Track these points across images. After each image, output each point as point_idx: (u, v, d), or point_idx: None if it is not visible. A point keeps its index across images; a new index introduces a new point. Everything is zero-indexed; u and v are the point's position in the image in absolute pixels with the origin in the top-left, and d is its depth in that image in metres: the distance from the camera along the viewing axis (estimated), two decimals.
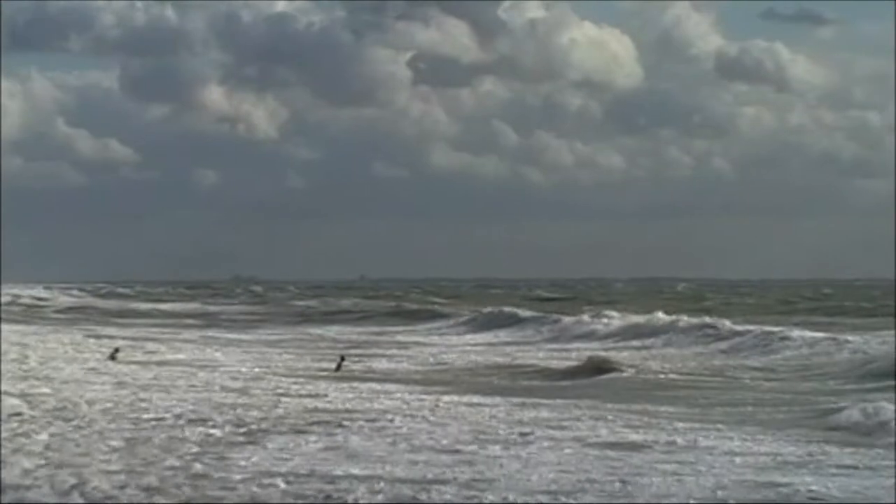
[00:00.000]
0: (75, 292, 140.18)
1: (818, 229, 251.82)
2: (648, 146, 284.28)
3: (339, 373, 33.54)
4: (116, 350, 38.87)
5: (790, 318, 65.39)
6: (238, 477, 16.06)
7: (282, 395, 26.64)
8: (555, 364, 36.26)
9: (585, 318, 55.34)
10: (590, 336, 50.01)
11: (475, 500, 14.57)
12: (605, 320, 53.51)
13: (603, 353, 38.97)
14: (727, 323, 46.50)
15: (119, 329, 60.94)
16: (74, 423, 21.29)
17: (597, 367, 33.10)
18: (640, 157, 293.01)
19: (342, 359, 35.88)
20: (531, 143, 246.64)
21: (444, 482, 15.63)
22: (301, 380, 30.97)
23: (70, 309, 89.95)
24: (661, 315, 51.62)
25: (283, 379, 31.10)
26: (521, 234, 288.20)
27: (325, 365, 35.93)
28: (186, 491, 15.25)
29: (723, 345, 41.88)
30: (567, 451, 18.24)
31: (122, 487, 15.41)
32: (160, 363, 36.19)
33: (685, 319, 48.88)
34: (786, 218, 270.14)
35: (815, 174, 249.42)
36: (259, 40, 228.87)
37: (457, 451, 18.13)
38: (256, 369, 34.13)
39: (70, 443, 19.03)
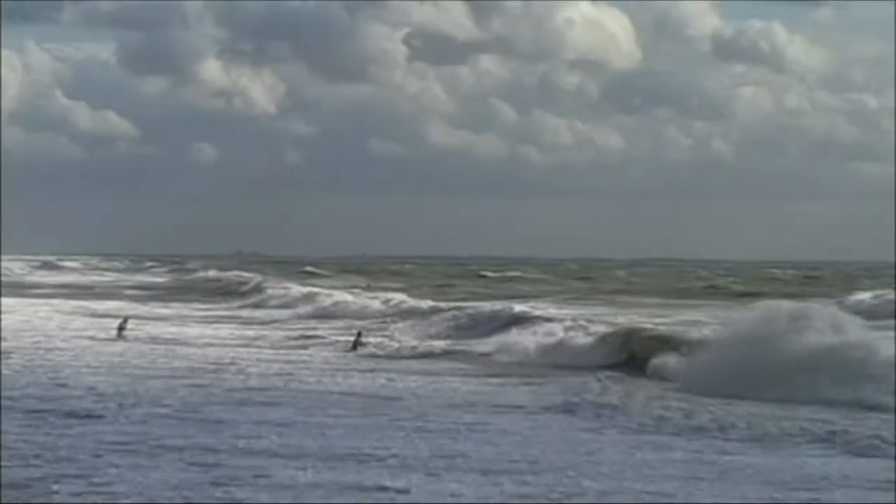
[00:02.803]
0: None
1: (816, 211, 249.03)
2: (646, 126, 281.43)
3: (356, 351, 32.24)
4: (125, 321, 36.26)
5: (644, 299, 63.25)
6: None
7: None
8: None
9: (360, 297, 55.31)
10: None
11: None
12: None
13: None
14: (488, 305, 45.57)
15: None
16: None
17: None
18: (637, 137, 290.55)
19: (359, 334, 34.04)
20: (529, 121, 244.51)
21: None
22: None
23: None
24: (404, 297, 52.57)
25: None
26: (517, 212, 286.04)
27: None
28: None
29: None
30: None
31: None
32: None
33: (429, 303, 49.24)
34: (783, 200, 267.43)
35: (813, 156, 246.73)
36: (254, 15, 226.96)
37: None
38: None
39: None
